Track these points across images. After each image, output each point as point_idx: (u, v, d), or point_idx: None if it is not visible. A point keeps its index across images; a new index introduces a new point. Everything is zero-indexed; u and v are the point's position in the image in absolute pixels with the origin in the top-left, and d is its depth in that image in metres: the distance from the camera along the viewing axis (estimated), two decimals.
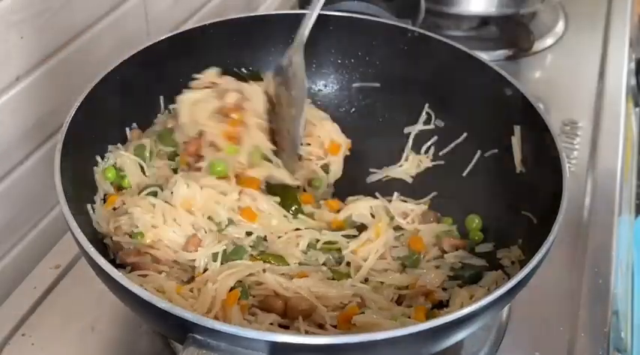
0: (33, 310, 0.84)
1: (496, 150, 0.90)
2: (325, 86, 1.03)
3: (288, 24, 0.95)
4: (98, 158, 0.83)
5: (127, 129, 0.90)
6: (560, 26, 1.47)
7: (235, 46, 0.97)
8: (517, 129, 0.85)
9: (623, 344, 0.91)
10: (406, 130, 0.99)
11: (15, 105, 0.89)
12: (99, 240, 0.74)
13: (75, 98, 0.78)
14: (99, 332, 0.82)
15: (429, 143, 0.98)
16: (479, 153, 0.92)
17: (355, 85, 1.02)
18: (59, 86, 0.95)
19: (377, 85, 1.01)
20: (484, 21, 1.40)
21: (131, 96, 0.88)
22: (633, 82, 1.37)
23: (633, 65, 1.39)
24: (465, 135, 0.94)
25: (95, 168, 0.82)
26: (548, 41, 1.42)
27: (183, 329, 0.57)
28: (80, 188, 0.75)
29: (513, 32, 1.35)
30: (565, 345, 0.82)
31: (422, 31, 0.93)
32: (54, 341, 0.81)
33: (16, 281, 0.90)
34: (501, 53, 1.36)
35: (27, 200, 0.96)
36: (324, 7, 0.91)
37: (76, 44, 0.97)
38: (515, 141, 0.85)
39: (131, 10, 1.07)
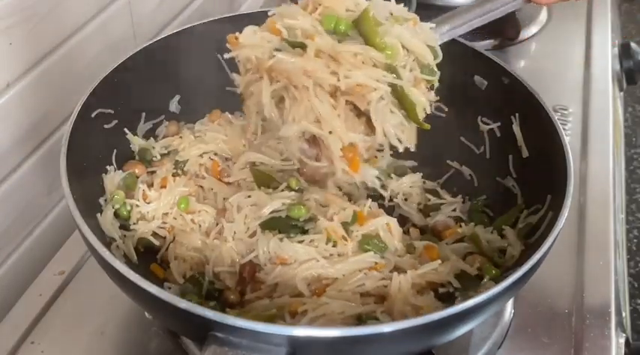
0: (40, 317, 0.84)
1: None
2: None
3: None
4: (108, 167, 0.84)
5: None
6: (543, 14, 1.48)
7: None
8: (516, 117, 0.87)
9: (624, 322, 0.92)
10: None
11: (6, 113, 0.88)
12: (108, 244, 0.74)
13: (66, 103, 0.78)
14: (109, 336, 0.82)
15: None
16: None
17: None
18: (50, 91, 0.95)
19: None
20: None
21: (129, 98, 0.88)
22: (617, 66, 1.38)
23: (616, 50, 1.41)
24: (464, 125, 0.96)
25: (104, 175, 0.82)
26: (533, 29, 1.43)
27: (203, 327, 0.57)
28: (86, 191, 0.75)
29: (500, 22, 1.35)
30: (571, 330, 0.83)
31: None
32: (64, 348, 0.81)
33: (19, 289, 0.89)
34: (487, 43, 1.36)
35: (21, 207, 0.95)
36: None
37: (64, 48, 0.96)
38: (517, 129, 0.86)
39: (116, 12, 1.07)
